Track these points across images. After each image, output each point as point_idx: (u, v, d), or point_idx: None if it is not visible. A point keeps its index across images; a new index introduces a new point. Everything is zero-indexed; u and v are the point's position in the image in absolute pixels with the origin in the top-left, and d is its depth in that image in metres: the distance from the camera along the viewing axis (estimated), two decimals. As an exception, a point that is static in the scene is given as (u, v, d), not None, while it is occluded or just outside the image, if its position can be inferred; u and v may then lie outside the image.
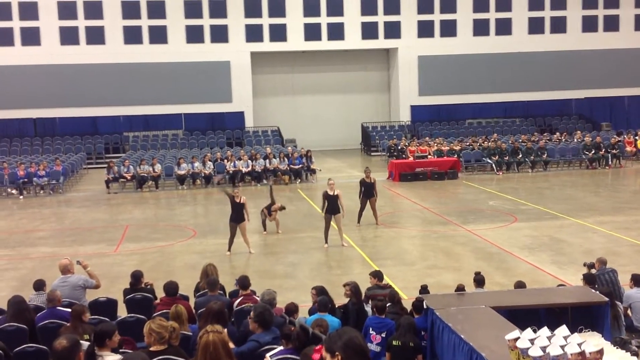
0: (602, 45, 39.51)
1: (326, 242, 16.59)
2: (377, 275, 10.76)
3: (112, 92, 36.32)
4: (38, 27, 35.82)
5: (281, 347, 7.00)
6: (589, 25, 39.75)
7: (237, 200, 16.01)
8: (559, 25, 39.64)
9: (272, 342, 7.34)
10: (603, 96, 39.66)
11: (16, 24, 35.67)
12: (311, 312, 9.58)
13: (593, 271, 10.64)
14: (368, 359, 4.03)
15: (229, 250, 16.08)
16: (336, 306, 9.62)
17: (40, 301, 9.81)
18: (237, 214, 16.03)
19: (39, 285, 10.27)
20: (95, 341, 6.74)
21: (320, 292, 9.68)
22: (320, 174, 28.22)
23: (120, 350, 7.13)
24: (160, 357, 6.52)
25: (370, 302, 9.86)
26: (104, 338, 6.74)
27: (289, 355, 6.80)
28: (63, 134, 35.93)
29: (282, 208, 18.68)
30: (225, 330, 6.75)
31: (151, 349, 6.62)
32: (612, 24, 39.89)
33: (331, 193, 16.59)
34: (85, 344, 6.40)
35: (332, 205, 16.51)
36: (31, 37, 35.71)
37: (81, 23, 36.16)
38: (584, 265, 11.06)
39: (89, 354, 6.34)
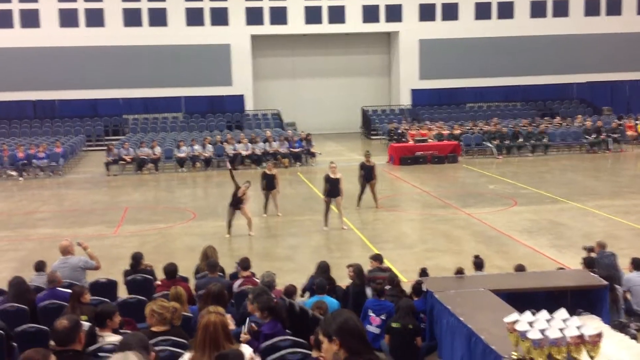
0: (604, 29, 39.29)
1: (326, 225, 16.60)
2: (377, 258, 10.84)
3: (111, 75, 36.17)
4: (37, 9, 35.62)
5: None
6: (591, 9, 39.52)
7: (241, 195, 15.94)
8: (561, 9, 39.41)
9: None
10: (604, 80, 39.51)
11: (15, 6, 35.48)
12: (305, 289, 9.70)
13: (592, 255, 10.65)
14: (365, 339, 3.89)
15: (229, 232, 16.09)
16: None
17: (40, 282, 9.85)
18: (237, 202, 16.03)
19: (40, 266, 10.33)
20: (96, 322, 6.77)
21: (322, 269, 9.75)
22: (321, 158, 28.19)
23: (121, 330, 7.16)
24: (161, 337, 6.56)
25: (370, 284, 9.92)
26: (105, 319, 6.77)
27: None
28: (62, 116, 35.83)
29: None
30: (230, 315, 6.78)
31: (153, 329, 6.65)
32: (614, 8, 39.64)
33: (333, 176, 16.58)
34: (86, 325, 6.43)
35: (333, 188, 16.52)
36: (30, 20, 35.51)
37: (80, 5, 35.96)
38: (584, 248, 11.08)
39: (90, 335, 6.37)
